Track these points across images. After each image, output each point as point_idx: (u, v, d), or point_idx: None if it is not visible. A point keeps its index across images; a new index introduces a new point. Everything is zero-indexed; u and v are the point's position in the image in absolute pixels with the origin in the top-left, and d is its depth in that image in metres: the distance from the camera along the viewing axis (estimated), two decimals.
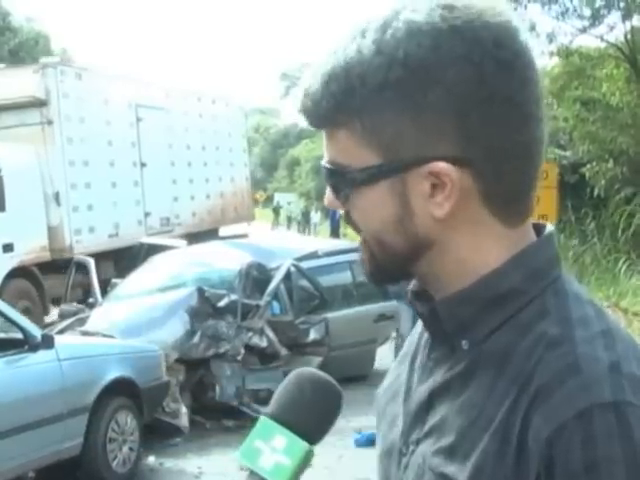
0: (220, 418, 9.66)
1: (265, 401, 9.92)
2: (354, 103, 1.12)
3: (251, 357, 10.13)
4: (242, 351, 9.95)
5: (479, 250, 1.17)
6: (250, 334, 10.15)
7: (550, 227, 1.24)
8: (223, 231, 23.09)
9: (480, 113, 1.11)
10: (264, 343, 10.19)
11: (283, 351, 10.29)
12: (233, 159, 24.66)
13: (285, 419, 1.21)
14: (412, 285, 1.30)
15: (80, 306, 12.06)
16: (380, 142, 1.13)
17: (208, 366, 9.82)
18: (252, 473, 1.20)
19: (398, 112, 1.11)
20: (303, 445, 1.20)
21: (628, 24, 13.46)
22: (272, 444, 1.20)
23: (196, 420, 9.47)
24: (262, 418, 1.23)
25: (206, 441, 9.08)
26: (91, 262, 12.55)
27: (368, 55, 1.11)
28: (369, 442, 8.41)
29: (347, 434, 8.42)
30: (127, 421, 8.05)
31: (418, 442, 1.22)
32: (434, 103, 1.10)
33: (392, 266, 1.21)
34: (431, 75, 1.09)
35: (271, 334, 10.27)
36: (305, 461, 1.21)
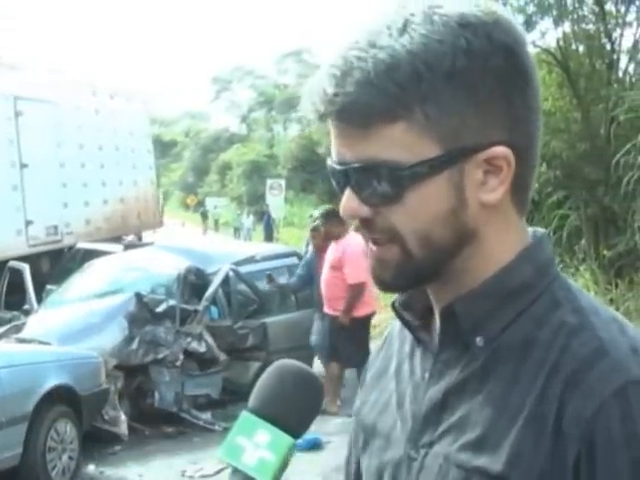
0: (159, 424, 9.58)
1: (204, 407, 9.89)
2: (420, 91, 1.11)
3: (190, 362, 10.08)
4: (181, 357, 9.88)
5: (502, 241, 1.20)
6: (189, 339, 10.09)
7: (541, 229, 1.29)
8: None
9: (522, 100, 1.17)
10: (203, 348, 10.14)
11: (222, 356, 10.24)
12: (136, 161, 22.39)
13: (267, 413, 1.19)
14: (400, 296, 1.30)
15: (15, 313, 11.89)
16: (442, 131, 1.13)
17: (147, 372, 9.73)
18: (236, 471, 1.17)
19: (462, 100, 1.13)
20: (287, 439, 1.18)
21: (560, 30, 13.73)
22: (255, 440, 1.18)
23: (135, 427, 9.39)
24: (244, 413, 1.21)
25: (146, 448, 8.99)
26: (26, 268, 12.35)
27: (430, 44, 1.11)
28: (310, 447, 8.42)
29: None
30: (66, 429, 7.94)
31: (432, 444, 1.22)
32: (490, 90, 1.14)
33: (430, 265, 1.19)
34: (488, 64, 1.13)
35: (210, 339, 10.22)
36: (289, 455, 1.19)
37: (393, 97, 1.11)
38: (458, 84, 1.12)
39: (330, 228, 9.71)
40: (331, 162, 1.20)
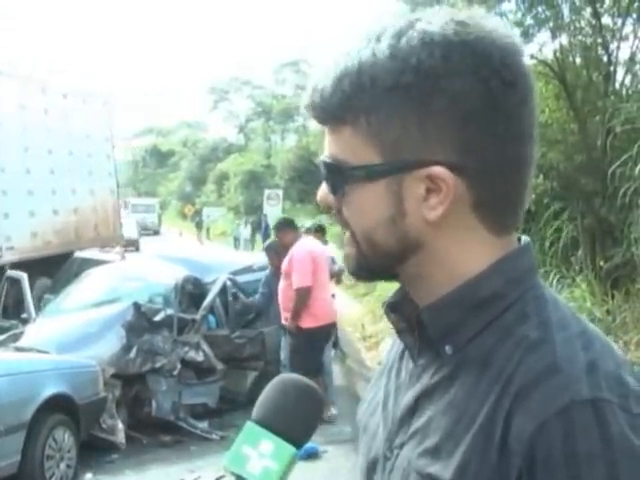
0: (157, 433, 9.58)
1: (201, 416, 9.90)
2: (363, 101, 1.17)
3: (187, 372, 10.08)
4: (178, 366, 9.89)
5: (465, 255, 1.22)
6: (186, 348, 10.10)
7: (526, 238, 1.30)
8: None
9: (480, 126, 1.16)
10: (200, 357, 10.15)
11: (219, 365, 10.25)
12: (93, 167, 19.62)
13: (271, 424, 1.24)
14: (390, 297, 1.35)
15: (13, 322, 11.89)
16: (383, 142, 1.18)
17: (144, 381, 9.73)
18: (240, 479, 1.22)
19: (404, 115, 1.16)
20: (290, 449, 1.23)
21: (557, 42, 13.76)
22: (259, 449, 1.22)
23: (133, 436, 9.39)
24: (248, 424, 1.25)
25: (143, 457, 8.99)
26: (24, 277, 12.36)
27: (382, 58, 1.16)
28: (307, 456, 8.44)
29: None
30: (64, 438, 7.95)
31: (402, 445, 1.26)
32: (439, 110, 1.16)
33: (379, 265, 1.26)
34: (439, 84, 1.15)
35: (207, 348, 10.23)
36: (292, 464, 1.24)
37: (340, 102, 1.19)
38: (401, 100, 1.16)
39: (282, 236, 9.78)
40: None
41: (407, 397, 1.29)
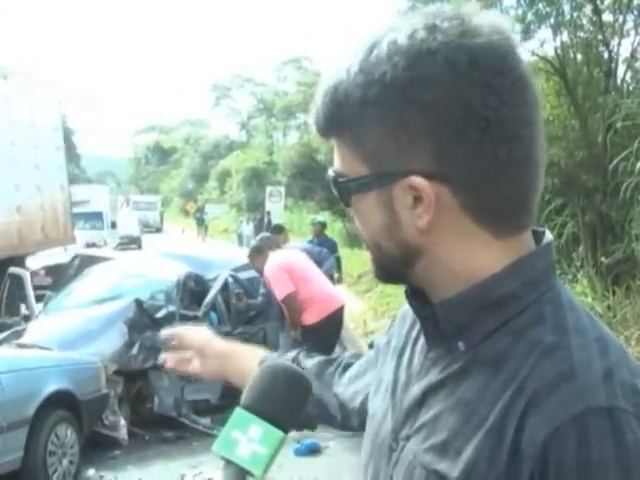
0: (159, 429, 9.61)
1: (203, 412, 9.92)
2: (342, 117, 1.21)
3: None
4: None
5: (470, 259, 1.22)
6: None
7: (549, 236, 1.28)
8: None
9: (454, 132, 1.15)
10: None
11: None
12: (39, 160, 16.78)
13: (260, 410, 1.26)
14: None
15: (16, 319, 11.91)
16: (365, 154, 1.21)
17: (146, 377, 9.75)
18: (229, 463, 1.24)
19: (378, 127, 1.18)
20: (278, 434, 1.25)
21: (558, 39, 13.77)
22: (248, 434, 1.24)
23: (135, 432, 9.42)
24: (237, 409, 1.27)
25: (145, 453, 9.02)
26: (27, 274, 12.37)
27: (352, 73, 1.19)
28: (309, 451, 8.48)
29: (285, 443, 8.43)
30: (67, 434, 7.97)
31: (408, 438, 1.28)
32: (409, 121, 1.16)
33: (390, 268, 1.29)
34: (405, 95, 1.15)
35: None
36: (279, 448, 1.25)
37: (327, 119, 1.24)
38: (373, 113, 1.18)
39: (254, 263, 9.77)
40: None
41: (415, 389, 1.30)
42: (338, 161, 1.26)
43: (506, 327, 1.20)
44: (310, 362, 1.81)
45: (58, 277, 15.00)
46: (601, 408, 1.08)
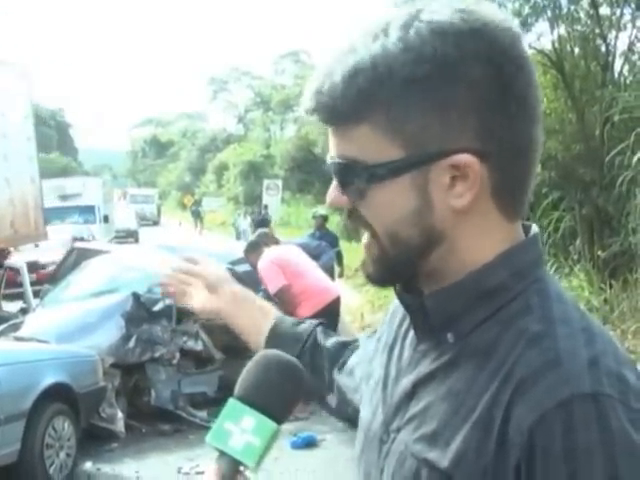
0: (156, 422, 9.60)
1: (200, 405, 9.93)
2: (381, 96, 1.16)
3: (186, 361, 10.10)
4: (177, 355, 9.91)
5: (481, 241, 1.23)
6: (185, 338, 10.13)
7: (535, 228, 1.30)
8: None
9: (499, 110, 1.17)
10: (199, 347, 10.17)
11: (218, 355, 10.26)
12: (8, 150, 15.35)
13: (253, 400, 1.25)
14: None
15: (13, 311, 11.90)
16: (405, 135, 1.17)
17: (143, 370, 9.75)
18: (222, 454, 1.23)
19: (424, 106, 1.16)
20: (271, 425, 1.24)
21: (555, 32, 13.78)
22: (241, 425, 1.23)
23: (132, 425, 9.41)
24: (231, 400, 1.26)
25: (142, 445, 9.01)
26: (24, 266, 12.35)
27: (395, 51, 1.16)
28: (305, 444, 8.49)
29: (282, 436, 8.45)
30: (64, 427, 7.95)
31: (399, 430, 1.28)
32: (458, 99, 1.16)
33: (403, 262, 1.24)
34: (456, 72, 1.15)
35: (206, 338, 10.25)
36: (273, 439, 1.24)
37: (356, 100, 1.17)
38: (420, 91, 1.16)
39: (250, 259, 9.76)
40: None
41: (405, 382, 1.30)
42: (352, 148, 1.20)
43: (494, 318, 1.21)
44: (329, 342, 1.79)
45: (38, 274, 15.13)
46: (586, 394, 1.09)
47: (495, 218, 1.23)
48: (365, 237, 1.27)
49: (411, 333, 1.34)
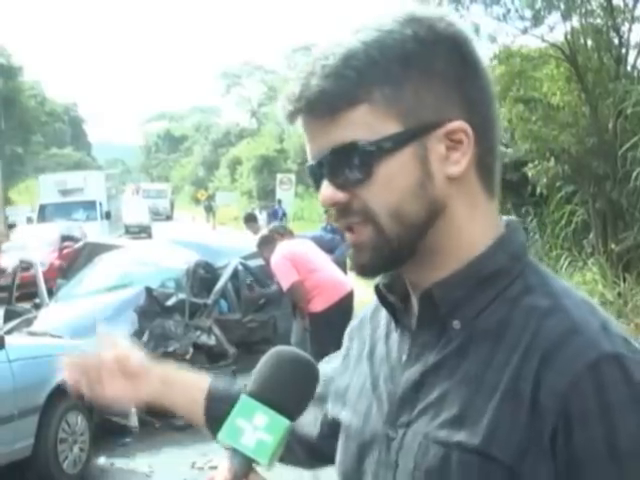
0: (169, 417, 9.60)
1: None
2: (376, 74, 1.22)
3: (199, 356, 10.09)
4: (190, 350, 9.91)
5: (473, 218, 1.28)
6: (198, 333, 10.14)
7: (511, 217, 1.37)
8: None
9: (472, 83, 1.27)
10: (212, 342, 10.19)
11: (231, 350, 10.28)
12: None
13: (266, 397, 1.24)
14: (382, 279, 1.37)
15: (26, 307, 11.94)
16: (401, 109, 1.23)
17: None
18: (235, 452, 1.22)
19: (416, 80, 1.23)
20: (284, 422, 1.23)
21: (568, 25, 13.70)
22: (254, 422, 1.22)
23: (145, 419, 9.43)
24: (243, 397, 1.25)
25: (156, 440, 9.03)
26: (37, 262, 12.40)
27: (381, 34, 1.23)
28: None
29: None
30: (77, 421, 7.97)
31: (409, 423, 1.28)
32: (440, 72, 1.24)
33: (403, 243, 1.25)
34: (435, 49, 1.24)
35: (219, 333, 10.27)
36: (286, 437, 1.24)
37: (352, 82, 1.22)
38: (410, 66, 1.23)
39: (263, 253, 9.73)
40: (308, 163, 1.30)
41: (409, 375, 1.31)
42: (347, 132, 1.23)
43: (497, 300, 1.26)
44: None
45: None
46: (609, 355, 1.16)
47: (480, 192, 1.29)
48: (353, 228, 1.28)
49: (394, 332, 1.38)
